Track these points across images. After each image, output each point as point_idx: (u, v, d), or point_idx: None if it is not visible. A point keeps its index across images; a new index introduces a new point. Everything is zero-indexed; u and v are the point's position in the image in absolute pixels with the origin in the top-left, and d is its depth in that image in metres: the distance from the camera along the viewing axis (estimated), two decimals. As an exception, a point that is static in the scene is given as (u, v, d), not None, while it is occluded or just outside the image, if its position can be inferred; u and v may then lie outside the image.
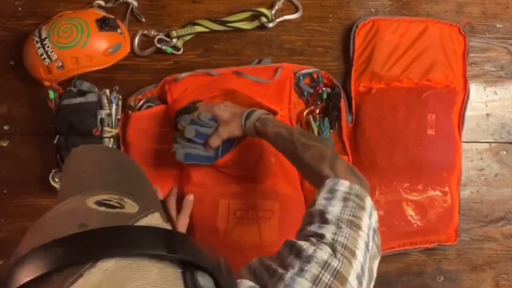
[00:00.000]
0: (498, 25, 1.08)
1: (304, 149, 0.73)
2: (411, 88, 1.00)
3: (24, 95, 0.98)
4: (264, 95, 0.97)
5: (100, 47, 0.97)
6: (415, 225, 0.98)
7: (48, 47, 0.93)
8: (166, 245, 0.39)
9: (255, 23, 1.04)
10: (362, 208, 0.62)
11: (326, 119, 0.99)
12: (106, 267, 0.36)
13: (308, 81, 1.03)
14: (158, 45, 1.02)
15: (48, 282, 0.35)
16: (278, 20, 1.04)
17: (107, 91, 0.96)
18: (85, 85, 0.99)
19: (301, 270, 0.52)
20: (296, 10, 1.06)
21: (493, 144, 1.06)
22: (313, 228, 0.60)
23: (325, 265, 0.53)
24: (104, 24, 0.97)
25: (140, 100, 0.98)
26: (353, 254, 0.55)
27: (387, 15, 1.06)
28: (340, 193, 0.63)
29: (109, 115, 0.96)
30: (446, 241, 1.01)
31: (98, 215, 0.41)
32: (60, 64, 0.95)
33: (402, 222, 0.98)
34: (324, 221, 0.60)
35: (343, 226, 0.58)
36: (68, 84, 0.98)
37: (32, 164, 1.01)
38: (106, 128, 0.95)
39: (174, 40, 1.02)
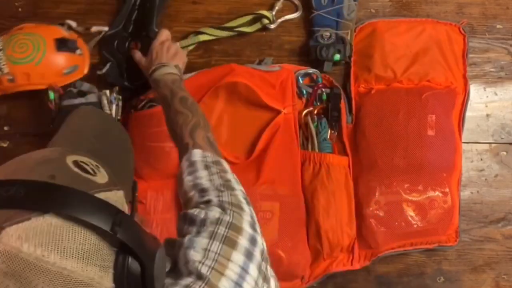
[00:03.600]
0: (498, 26, 1.08)
1: (175, 114, 0.76)
2: (411, 89, 1.00)
3: (24, 96, 0.98)
4: (267, 94, 0.97)
5: (54, 67, 0.95)
6: (415, 226, 0.98)
7: (1, 59, 0.92)
8: (112, 223, 0.42)
9: (257, 26, 1.04)
10: (225, 171, 0.66)
11: (324, 120, 0.99)
12: (52, 221, 0.41)
13: (308, 81, 1.03)
14: None
15: None
16: (279, 20, 1.04)
17: (107, 92, 0.96)
18: (85, 86, 0.99)
19: (198, 232, 0.55)
20: (296, 9, 1.06)
21: (493, 145, 1.06)
22: (196, 199, 0.62)
23: (218, 221, 0.56)
24: (62, 45, 0.95)
25: (142, 100, 0.98)
26: (240, 208, 0.58)
27: (387, 16, 1.06)
28: (198, 163, 0.66)
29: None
30: (446, 242, 1.01)
31: (69, 173, 0.45)
32: (11, 77, 0.93)
33: (402, 222, 0.98)
34: (202, 190, 0.62)
35: (221, 188, 0.61)
36: (67, 84, 0.98)
37: (32, 164, 1.01)
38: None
39: None
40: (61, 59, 0.95)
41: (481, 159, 1.06)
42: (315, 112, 1.01)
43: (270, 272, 0.60)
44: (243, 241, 0.54)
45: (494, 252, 1.04)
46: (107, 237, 0.43)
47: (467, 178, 1.04)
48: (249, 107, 1.00)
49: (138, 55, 0.95)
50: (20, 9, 1.05)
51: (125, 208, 0.48)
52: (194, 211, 0.58)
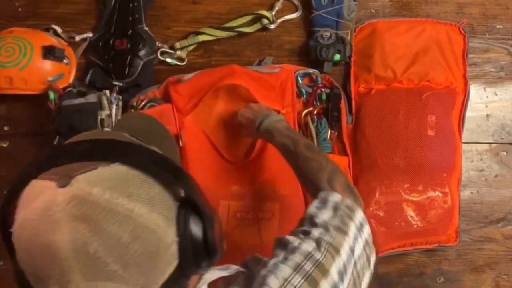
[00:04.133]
0: (498, 26, 1.08)
1: (305, 162, 0.74)
2: (411, 89, 1.00)
3: (24, 96, 0.98)
4: (267, 95, 0.97)
5: (39, 74, 0.95)
6: (415, 226, 0.98)
7: None
8: (172, 173, 0.45)
9: (256, 26, 1.04)
10: (351, 218, 0.63)
11: (324, 120, 0.99)
12: (118, 169, 0.43)
13: (307, 81, 1.03)
14: (161, 58, 1.02)
15: (69, 167, 0.43)
16: (279, 20, 1.04)
17: (107, 92, 0.96)
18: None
19: (285, 258, 0.54)
20: (296, 9, 1.06)
21: (493, 145, 1.06)
22: (301, 226, 0.62)
23: (308, 255, 0.54)
24: (49, 53, 0.94)
25: (142, 100, 0.98)
26: (337, 251, 0.56)
27: (387, 16, 1.06)
28: (331, 203, 0.64)
29: (109, 115, 0.96)
30: (446, 242, 1.01)
31: (127, 139, 0.49)
32: None
33: (402, 222, 0.98)
34: (313, 224, 0.61)
35: (330, 229, 0.60)
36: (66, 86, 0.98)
37: (32, 164, 1.01)
38: (106, 129, 0.95)
39: (178, 52, 1.02)
40: (46, 67, 0.95)
41: (481, 159, 1.05)
42: (315, 112, 1.01)
43: None
44: (324, 285, 0.53)
45: (494, 252, 1.04)
46: (170, 189, 0.44)
47: (467, 178, 1.04)
48: None
49: (240, 113, 0.93)
50: (20, 9, 1.05)
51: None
52: (290, 238, 0.57)
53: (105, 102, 0.95)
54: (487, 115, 1.07)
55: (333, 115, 1.00)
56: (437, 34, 1.03)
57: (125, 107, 0.99)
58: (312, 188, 0.72)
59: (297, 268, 0.53)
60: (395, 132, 0.97)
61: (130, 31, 1.01)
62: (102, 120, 0.95)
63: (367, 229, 0.66)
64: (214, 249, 0.46)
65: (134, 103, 0.98)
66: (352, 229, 0.62)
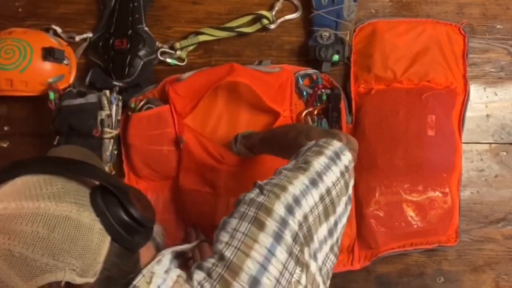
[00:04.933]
0: (498, 26, 1.08)
1: (284, 135, 0.76)
2: (411, 89, 1.00)
3: (24, 96, 0.98)
4: (268, 92, 0.97)
5: (39, 76, 0.95)
6: (415, 226, 0.98)
7: None
8: (66, 168, 0.50)
9: (256, 26, 1.04)
10: (320, 152, 0.63)
11: (324, 120, 0.99)
12: (18, 180, 0.48)
13: (308, 82, 1.03)
14: (161, 58, 1.02)
15: None
16: (279, 20, 1.04)
17: (107, 92, 0.96)
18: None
19: (232, 213, 0.57)
20: (296, 9, 1.06)
21: (493, 145, 1.06)
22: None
23: (250, 202, 0.56)
24: (49, 55, 0.94)
25: (141, 101, 0.98)
26: (283, 189, 0.57)
27: (387, 16, 1.06)
28: (300, 153, 0.65)
29: (109, 116, 0.96)
30: (446, 242, 1.01)
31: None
32: None
33: (402, 223, 0.98)
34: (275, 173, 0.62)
35: (283, 171, 0.61)
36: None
37: (32, 165, 1.01)
38: (106, 129, 0.95)
39: (178, 52, 1.02)
40: (46, 69, 0.95)
41: (481, 159, 1.05)
42: (315, 112, 1.01)
43: (311, 255, 0.57)
44: (271, 223, 0.54)
45: (494, 252, 1.04)
46: (78, 181, 0.50)
47: (467, 178, 1.04)
48: (248, 108, 1.00)
49: None
50: (20, 9, 1.05)
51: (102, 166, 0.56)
52: (240, 197, 0.59)
53: (105, 102, 0.95)
54: (487, 115, 1.07)
55: (333, 116, 1.00)
56: (437, 34, 1.03)
57: (125, 107, 0.99)
58: (291, 151, 0.72)
59: (242, 216, 0.55)
60: (395, 132, 0.97)
61: (130, 31, 1.01)
62: (102, 120, 0.95)
63: (347, 156, 0.65)
64: (140, 219, 0.50)
65: (132, 104, 0.98)
66: (320, 161, 0.61)
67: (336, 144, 0.66)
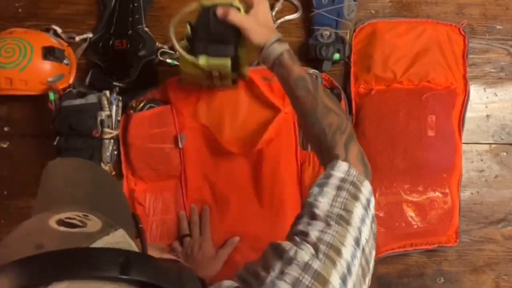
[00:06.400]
0: (498, 27, 1.08)
1: (324, 111, 0.68)
2: (411, 90, 1.00)
3: (24, 97, 0.98)
4: (267, 92, 0.97)
5: (39, 75, 0.95)
6: (415, 226, 0.98)
7: None
8: (120, 266, 0.39)
9: (256, 25, 1.04)
10: (356, 197, 0.61)
11: (326, 120, 0.99)
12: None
13: (308, 82, 1.03)
14: (161, 58, 1.02)
15: None
16: (279, 21, 1.04)
17: (107, 92, 0.96)
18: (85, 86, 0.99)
19: (282, 272, 0.52)
20: (296, 10, 1.06)
21: (493, 145, 1.06)
22: (301, 226, 0.59)
23: (305, 267, 0.52)
24: (49, 54, 0.94)
25: (142, 101, 0.98)
26: (338, 252, 0.54)
27: (387, 17, 1.06)
28: (335, 179, 0.62)
29: (109, 116, 0.96)
30: (446, 243, 1.01)
31: (57, 235, 0.41)
32: None
33: (402, 223, 0.97)
34: (313, 216, 0.59)
35: (331, 223, 0.57)
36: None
37: (32, 165, 1.01)
38: (106, 130, 0.96)
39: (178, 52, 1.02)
40: (46, 68, 0.95)
41: (481, 160, 1.05)
42: (315, 112, 1.00)
43: None
44: None
45: (494, 253, 1.04)
46: (123, 282, 0.39)
47: (467, 179, 1.04)
48: (247, 103, 0.98)
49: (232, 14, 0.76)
50: (20, 10, 1.05)
51: (133, 245, 0.46)
52: (286, 246, 0.54)
53: (105, 102, 0.95)
54: (487, 116, 1.07)
55: (333, 116, 1.00)
56: (437, 35, 1.03)
57: (125, 108, 0.99)
58: (324, 146, 0.67)
59: (296, 284, 0.50)
60: (395, 132, 0.97)
61: (130, 31, 1.01)
62: (102, 120, 0.95)
63: (373, 202, 0.63)
64: None
65: (134, 105, 0.98)
66: (358, 213, 0.59)
67: (368, 187, 0.64)
